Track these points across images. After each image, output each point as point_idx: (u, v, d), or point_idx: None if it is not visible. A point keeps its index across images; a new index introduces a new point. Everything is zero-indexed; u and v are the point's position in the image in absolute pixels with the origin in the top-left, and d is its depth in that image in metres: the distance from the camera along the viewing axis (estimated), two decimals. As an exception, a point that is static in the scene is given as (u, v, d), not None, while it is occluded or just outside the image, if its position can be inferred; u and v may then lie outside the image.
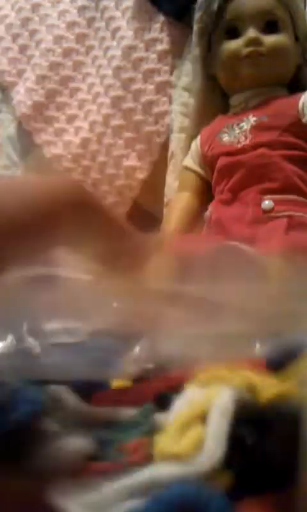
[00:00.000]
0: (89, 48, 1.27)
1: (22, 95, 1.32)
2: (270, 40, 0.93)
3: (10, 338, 0.26)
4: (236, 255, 0.63)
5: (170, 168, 1.09)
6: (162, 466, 0.20)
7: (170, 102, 1.11)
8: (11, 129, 1.35)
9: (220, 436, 0.20)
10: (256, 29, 0.93)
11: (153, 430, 0.23)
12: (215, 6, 0.96)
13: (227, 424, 0.21)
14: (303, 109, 0.89)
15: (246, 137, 0.92)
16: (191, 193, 1.00)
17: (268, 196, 0.87)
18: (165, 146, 1.11)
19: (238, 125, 0.94)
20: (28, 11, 1.36)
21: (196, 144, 1.02)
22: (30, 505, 0.16)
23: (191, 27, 1.05)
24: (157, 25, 1.13)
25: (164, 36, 1.13)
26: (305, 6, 1.00)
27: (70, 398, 0.25)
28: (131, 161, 1.15)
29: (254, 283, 0.61)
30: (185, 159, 1.04)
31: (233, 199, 0.91)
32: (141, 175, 1.15)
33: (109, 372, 0.28)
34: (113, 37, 1.21)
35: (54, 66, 1.29)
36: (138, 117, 1.14)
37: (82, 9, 1.29)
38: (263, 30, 0.94)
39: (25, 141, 1.33)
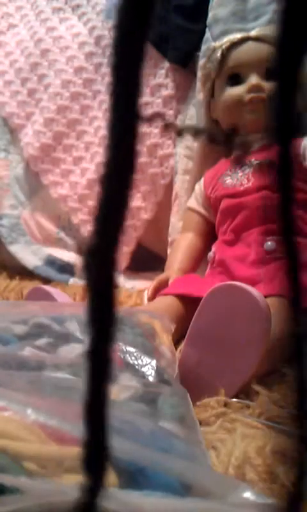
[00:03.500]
0: (96, 93, 1.30)
1: (30, 137, 1.35)
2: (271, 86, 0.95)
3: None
4: (239, 295, 0.64)
5: (174, 208, 1.11)
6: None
7: (174, 145, 1.13)
8: (19, 170, 1.38)
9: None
10: (258, 75, 0.95)
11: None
12: (218, 53, 0.98)
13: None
14: (305, 153, 0.90)
15: (249, 180, 0.93)
16: (195, 234, 1.02)
17: (271, 237, 0.87)
18: (169, 187, 1.13)
19: (241, 167, 0.96)
20: (37, 56, 1.41)
21: (199, 186, 1.03)
22: None
23: (195, 73, 1.08)
24: (162, 72, 1.17)
25: (169, 81, 1.16)
26: None
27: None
28: (136, 202, 1.17)
29: (256, 324, 0.61)
30: (189, 200, 1.05)
31: (236, 240, 0.92)
32: (145, 216, 1.17)
33: None
34: (120, 82, 1.24)
35: (61, 110, 1.32)
36: (143, 159, 1.17)
37: (89, 55, 1.33)
38: (265, 76, 0.96)
39: (33, 182, 1.35)
